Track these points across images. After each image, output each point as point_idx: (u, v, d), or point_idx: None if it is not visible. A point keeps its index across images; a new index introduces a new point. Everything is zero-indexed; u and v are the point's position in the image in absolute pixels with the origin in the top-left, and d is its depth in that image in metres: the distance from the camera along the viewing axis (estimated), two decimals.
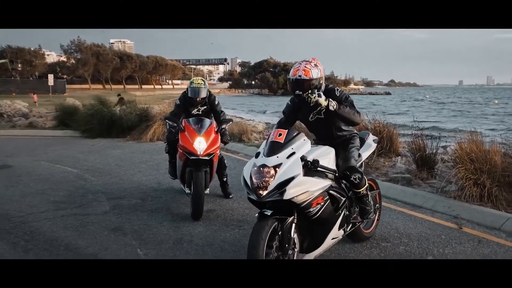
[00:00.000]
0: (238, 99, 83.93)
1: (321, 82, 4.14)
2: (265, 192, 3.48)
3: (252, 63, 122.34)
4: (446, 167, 7.28)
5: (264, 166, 3.53)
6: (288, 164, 3.56)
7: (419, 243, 4.80)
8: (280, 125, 4.47)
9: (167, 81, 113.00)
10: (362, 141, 4.79)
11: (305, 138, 3.82)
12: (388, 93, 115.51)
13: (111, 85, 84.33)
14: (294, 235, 3.62)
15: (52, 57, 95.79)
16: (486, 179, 5.66)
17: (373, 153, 7.67)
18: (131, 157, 10.44)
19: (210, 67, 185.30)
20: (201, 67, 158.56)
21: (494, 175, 5.75)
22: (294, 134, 3.76)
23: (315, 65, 4.12)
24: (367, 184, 4.35)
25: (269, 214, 3.51)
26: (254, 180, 3.53)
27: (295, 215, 3.64)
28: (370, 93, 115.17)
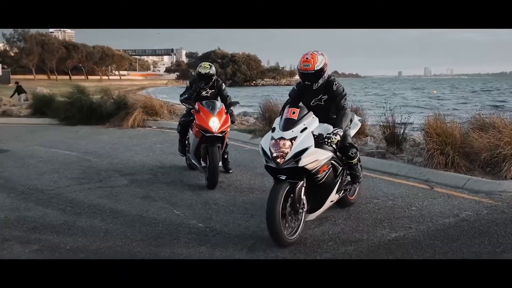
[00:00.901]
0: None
1: (325, 69, 4.89)
2: (283, 160, 4.23)
3: (200, 54, 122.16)
4: (412, 144, 8.59)
5: (282, 138, 4.28)
6: (302, 137, 4.33)
7: (402, 199, 6.00)
8: (297, 106, 4.94)
9: (114, 72, 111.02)
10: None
11: (314, 116, 4.62)
12: None
13: (57, 76, 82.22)
14: (303, 196, 4.43)
15: None
16: (450, 149, 6.94)
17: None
18: (121, 142, 11.15)
19: (155, 58, 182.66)
20: (145, 57, 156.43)
21: (455, 147, 7.03)
22: (305, 113, 4.54)
23: (321, 54, 4.91)
24: (358, 156, 5.27)
25: (284, 178, 4.32)
26: (273, 150, 4.28)
27: (305, 180, 4.42)
28: None
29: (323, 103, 5.05)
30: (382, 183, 6.82)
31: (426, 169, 7.10)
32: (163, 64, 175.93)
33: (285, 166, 4.26)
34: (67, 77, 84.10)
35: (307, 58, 4.84)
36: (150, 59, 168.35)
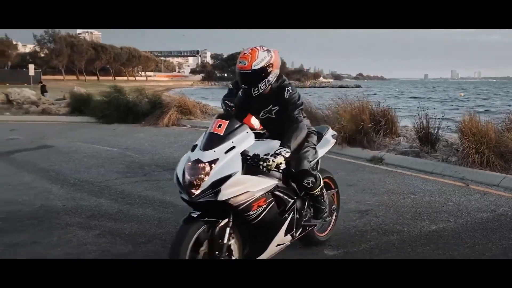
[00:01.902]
0: (212, 90, 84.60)
1: (269, 70, 3.69)
2: (197, 191, 3.07)
3: (225, 56, 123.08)
4: (445, 144, 8.76)
5: (198, 161, 3.12)
6: (225, 160, 3.15)
7: (439, 195, 6.20)
8: (227, 117, 3.67)
9: (140, 73, 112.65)
10: (320, 136, 4.42)
11: (249, 130, 3.40)
12: (358, 86, 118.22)
13: (85, 76, 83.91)
14: (229, 240, 3.22)
15: (25, 47, 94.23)
16: (485, 148, 7.11)
17: (341, 142, 9.10)
18: (158, 139, 11.55)
19: (180, 59, 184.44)
20: (171, 59, 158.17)
21: (490, 146, 7.20)
22: (236, 126, 3.32)
23: (266, 50, 3.73)
24: (322, 184, 4.01)
25: (195, 216, 3.15)
26: (186, 176, 3.13)
27: (231, 218, 3.23)
28: (341, 86, 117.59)
29: (274, 116, 3.94)
30: (418, 180, 7.02)
31: (461, 167, 7.28)
32: (188, 66, 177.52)
33: (201, 199, 3.08)
34: (95, 77, 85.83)
35: (244, 54, 3.68)
36: (175, 60, 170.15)
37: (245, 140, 3.32)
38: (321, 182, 4.02)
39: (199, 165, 3.10)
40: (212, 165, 3.10)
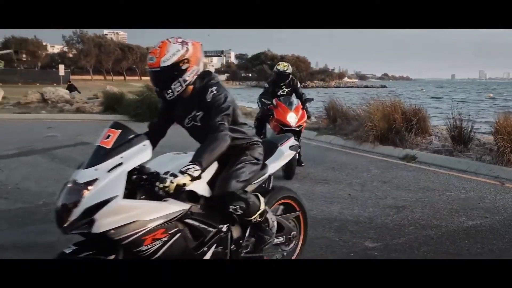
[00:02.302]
0: (238, 91, 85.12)
1: (185, 67, 2.95)
2: (68, 221, 2.44)
3: (249, 56, 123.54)
4: (477, 143, 8.79)
5: (75, 182, 2.51)
6: (106, 181, 2.51)
7: (475, 193, 6.27)
8: (150, 126, 3.52)
9: None
10: (274, 148, 3.67)
11: (146, 143, 2.78)
12: (384, 86, 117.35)
13: (112, 76, 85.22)
14: None
15: (53, 48, 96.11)
16: None
17: (373, 141, 9.21)
18: (189, 137, 11.77)
19: (205, 60, 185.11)
20: None
21: None
22: (129, 137, 2.72)
23: (180, 42, 2.98)
24: (262, 209, 3.21)
25: (68, 252, 2.54)
26: (59, 201, 2.51)
27: (120, 254, 2.64)
28: (366, 86, 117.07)
29: (199, 124, 3.12)
30: (452, 178, 7.08)
31: (496, 166, 7.32)
32: (212, 66, 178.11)
33: (74, 232, 2.51)
34: (122, 77, 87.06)
35: (153, 48, 2.96)
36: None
37: (138, 155, 2.66)
38: (261, 206, 3.20)
39: (75, 187, 2.49)
40: (89, 186, 2.46)
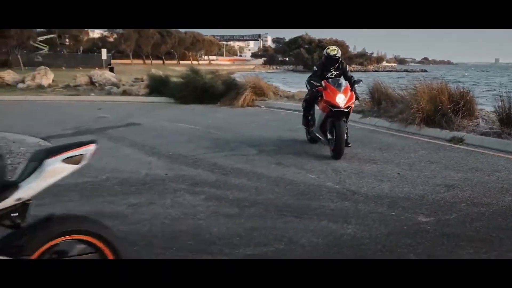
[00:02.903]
0: (275, 75, 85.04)
1: None
2: None
3: (287, 40, 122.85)
4: None
5: None
6: None
7: None
8: None
9: (203, 57, 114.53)
10: (41, 161, 2.50)
11: None
12: (424, 70, 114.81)
13: (151, 60, 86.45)
14: None
15: (94, 33, 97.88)
16: None
17: (419, 123, 9.13)
18: (236, 119, 12.09)
19: (242, 43, 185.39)
20: (232, 43, 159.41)
21: None
22: None
23: None
24: None
25: None
26: None
27: None
28: (406, 70, 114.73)
29: None
30: (501, 160, 7.12)
31: None
32: (249, 50, 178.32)
33: None
34: (161, 62, 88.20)
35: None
36: (236, 44, 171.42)
37: None
38: None
39: None
40: None
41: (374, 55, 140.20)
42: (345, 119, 7.49)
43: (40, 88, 18.86)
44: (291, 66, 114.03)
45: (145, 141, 8.91)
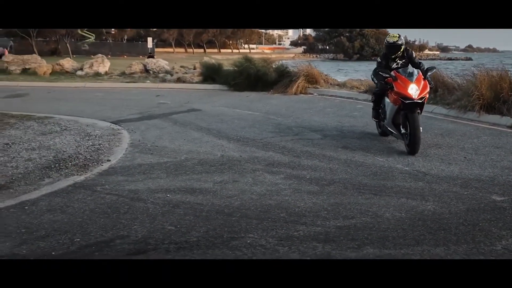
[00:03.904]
0: (318, 63, 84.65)
1: None
2: None
3: (327, 28, 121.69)
4: None
5: None
6: None
7: None
8: None
9: (243, 45, 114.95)
10: None
11: None
12: (469, 59, 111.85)
13: (193, 49, 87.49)
14: None
15: None
16: None
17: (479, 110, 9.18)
18: (292, 105, 12.39)
19: (280, 32, 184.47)
20: (271, 31, 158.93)
21: None
22: None
23: None
24: None
25: None
26: None
27: None
28: (450, 59, 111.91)
29: None
30: None
31: None
32: (288, 38, 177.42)
33: None
34: (202, 50, 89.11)
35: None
36: (275, 33, 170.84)
37: None
38: None
39: None
40: None
41: (417, 43, 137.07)
42: (419, 111, 7.02)
43: (97, 75, 19.67)
44: (331, 54, 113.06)
45: (210, 125, 9.34)
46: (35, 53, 28.70)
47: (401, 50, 7.66)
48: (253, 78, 15.46)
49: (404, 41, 7.75)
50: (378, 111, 8.18)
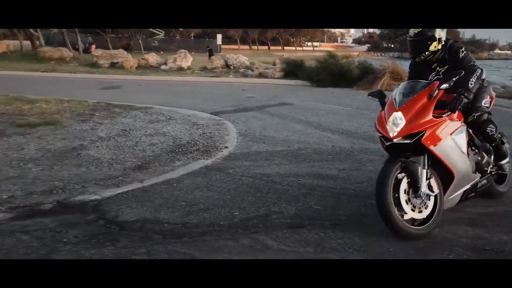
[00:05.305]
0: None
1: None
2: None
3: None
4: None
5: None
6: None
7: None
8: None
9: (306, 43, 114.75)
10: None
11: None
12: None
13: (258, 46, 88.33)
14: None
15: None
16: None
17: None
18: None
19: (343, 30, 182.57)
20: (332, 29, 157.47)
21: None
22: None
23: None
24: None
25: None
26: None
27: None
28: None
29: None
30: None
31: None
32: (350, 36, 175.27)
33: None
34: (266, 47, 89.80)
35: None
36: (337, 31, 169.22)
37: None
38: None
39: None
40: None
41: (487, 42, 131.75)
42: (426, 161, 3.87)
43: (180, 70, 20.48)
44: (397, 53, 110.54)
45: (308, 118, 9.61)
46: (109, 48, 30.06)
47: (434, 48, 4.32)
48: (336, 74, 15.65)
49: (440, 33, 4.31)
50: None
